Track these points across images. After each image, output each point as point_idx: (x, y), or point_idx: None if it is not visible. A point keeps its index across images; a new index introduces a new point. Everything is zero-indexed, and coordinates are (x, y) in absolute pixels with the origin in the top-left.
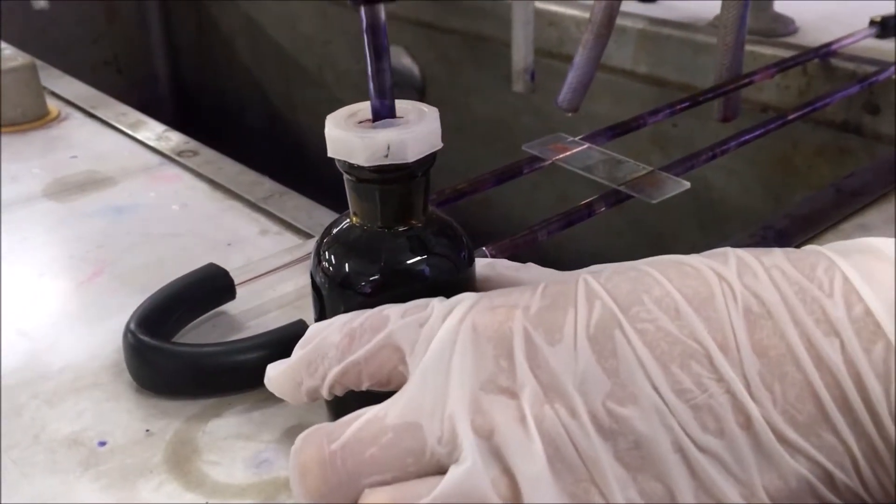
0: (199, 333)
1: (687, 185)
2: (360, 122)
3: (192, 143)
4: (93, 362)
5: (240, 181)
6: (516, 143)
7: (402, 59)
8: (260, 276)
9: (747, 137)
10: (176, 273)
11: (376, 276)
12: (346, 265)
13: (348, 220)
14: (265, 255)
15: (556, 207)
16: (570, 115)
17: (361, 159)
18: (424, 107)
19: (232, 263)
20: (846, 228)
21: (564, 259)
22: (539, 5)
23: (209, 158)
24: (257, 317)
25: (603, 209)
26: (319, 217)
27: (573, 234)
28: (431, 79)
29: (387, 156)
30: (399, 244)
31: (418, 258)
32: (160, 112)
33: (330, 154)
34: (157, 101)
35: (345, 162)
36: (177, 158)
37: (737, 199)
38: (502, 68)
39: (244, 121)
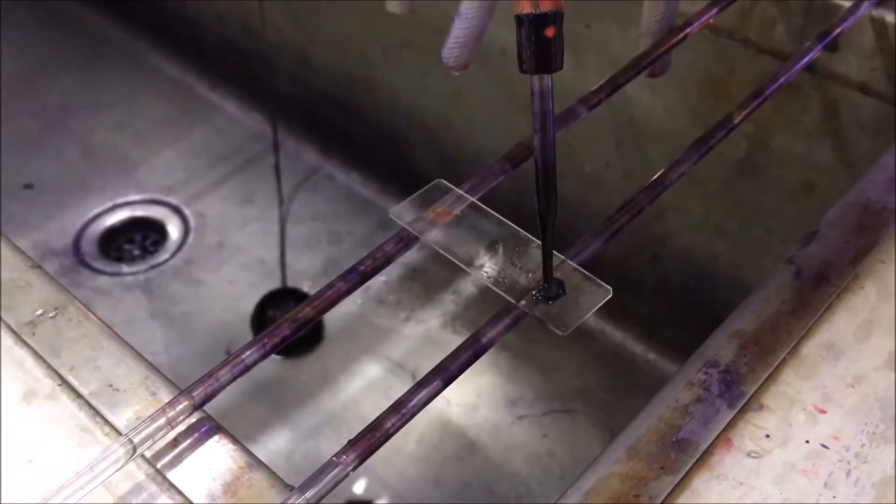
0: None
1: (610, 292)
2: None
3: None
4: None
5: (12, 283)
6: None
7: None
8: None
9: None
10: None
11: None
12: None
13: None
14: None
15: (452, 100)
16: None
17: None
18: None
19: None
20: (809, 353)
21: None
22: None
23: None
24: None
25: None
26: (112, 375)
27: (482, 149)
28: None
29: None
30: None
31: None
32: None
33: None
34: None
35: None
36: None
37: (660, 121)
38: None
39: None
